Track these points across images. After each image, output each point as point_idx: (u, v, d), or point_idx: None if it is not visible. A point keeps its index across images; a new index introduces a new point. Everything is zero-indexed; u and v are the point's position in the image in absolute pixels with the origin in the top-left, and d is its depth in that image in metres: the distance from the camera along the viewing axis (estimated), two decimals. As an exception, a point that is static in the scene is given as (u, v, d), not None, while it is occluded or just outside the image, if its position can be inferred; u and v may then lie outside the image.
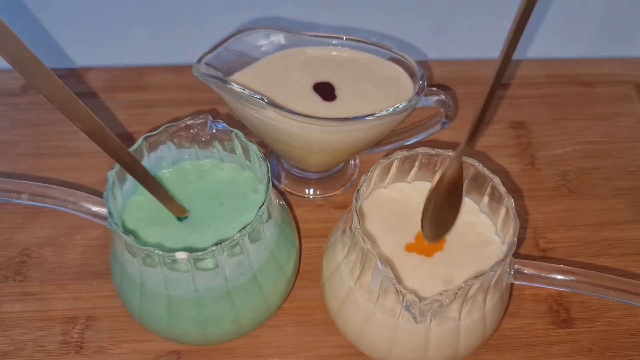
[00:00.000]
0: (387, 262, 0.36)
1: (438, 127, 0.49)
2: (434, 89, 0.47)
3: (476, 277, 0.34)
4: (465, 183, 0.41)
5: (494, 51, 0.63)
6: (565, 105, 0.62)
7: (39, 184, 0.38)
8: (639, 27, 0.66)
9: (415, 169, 0.42)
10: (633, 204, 0.53)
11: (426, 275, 0.38)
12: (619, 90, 0.63)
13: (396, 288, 0.34)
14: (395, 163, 0.41)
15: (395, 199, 0.42)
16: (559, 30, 0.65)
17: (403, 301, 0.34)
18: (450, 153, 0.40)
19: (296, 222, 0.50)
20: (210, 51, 0.45)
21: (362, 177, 0.39)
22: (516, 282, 0.38)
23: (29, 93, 0.60)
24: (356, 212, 0.37)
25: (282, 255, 0.41)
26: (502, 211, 0.39)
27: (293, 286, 0.45)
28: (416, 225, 0.39)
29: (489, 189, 0.40)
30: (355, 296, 0.38)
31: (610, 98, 0.62)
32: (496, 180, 0.39)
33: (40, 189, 0.38)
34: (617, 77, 0.64)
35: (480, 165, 0.40)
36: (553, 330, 0.45)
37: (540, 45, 0.66)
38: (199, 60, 0.44)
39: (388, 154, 0.42)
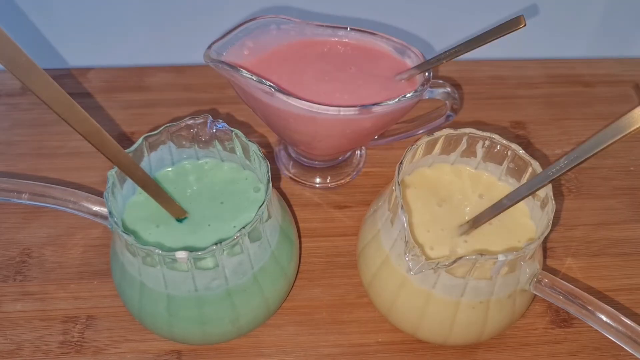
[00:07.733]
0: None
1: (443, 119, 0.49)
2: (440, 81, 0.47)
3: (506, 253, 0.35)
4: (505, 166, 0.41)
5: (494, 51, 0.64)
6: (565, 105, 0.62)
7: (40, 184, 0.38)
8: (638, 27, 0.66)
9: (459, 149, 0.42)
10: (632, 204, 0.53)
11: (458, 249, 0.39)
12: (618, 90, 0.63)
13: (406, 235, 0.34)
14: (441, 141, 0.41)
15: (436, 177, 0.43)
16: (558, 30, 0.65)
17: (406, 248, 0.34)
18: (495, 136, 0.40)
19: (296, 222, 0.50)
20: (220, 38, 0.45)
21: (407, 149, 0.39)
22: (533, 291, 0.38)
23: (29, 93, 0.60)
24: (398, 181, 0.37)
25: (282, 255, 0.41)
26: (538, 196, 0.39)
27: (293, 286, 0.45)
28: (457, 206, 0.41)
29: (528, 175, 0.40)
30: (391, 262, 0.39)
31: (610, 98, 0.62)
32: (536, 165, 0.39)
33: (40, 188, 0.38)
34: (616, 77, 0.64)
35: (521, 150, 0.40)
36: (552, 330, 0.45)
37: (540, 45, 0.66)
38: (209, 47, 0.44)
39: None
